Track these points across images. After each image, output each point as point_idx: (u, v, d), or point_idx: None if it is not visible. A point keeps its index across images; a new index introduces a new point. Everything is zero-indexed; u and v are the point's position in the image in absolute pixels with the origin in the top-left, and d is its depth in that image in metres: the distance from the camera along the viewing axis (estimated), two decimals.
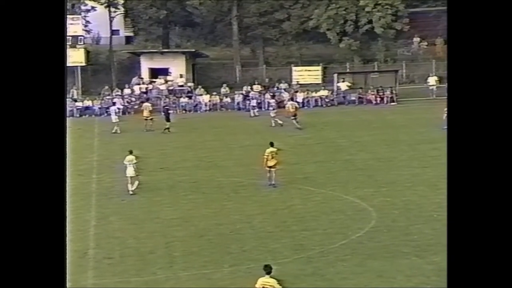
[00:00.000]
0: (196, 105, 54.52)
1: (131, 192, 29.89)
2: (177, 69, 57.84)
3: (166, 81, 57.51)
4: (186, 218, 26.82)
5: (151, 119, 45.00)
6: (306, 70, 59.87)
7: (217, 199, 29.24)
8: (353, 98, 54.44)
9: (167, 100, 53.62)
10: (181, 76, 57.49)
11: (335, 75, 56.31)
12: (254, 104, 52.13)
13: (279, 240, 24.00)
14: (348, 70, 59.47)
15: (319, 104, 54.11)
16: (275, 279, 17.03)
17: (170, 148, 40.46)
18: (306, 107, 53.09)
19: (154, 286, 20.61)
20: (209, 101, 54.29)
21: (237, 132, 43.50)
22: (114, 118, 45.51)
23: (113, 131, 44.27)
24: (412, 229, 24.51)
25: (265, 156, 29.85)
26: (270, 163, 29.89)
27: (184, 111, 53.16)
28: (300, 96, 54.05)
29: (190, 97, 55.25)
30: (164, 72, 58.09)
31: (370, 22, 59.94)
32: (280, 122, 44.06)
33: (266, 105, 52.87)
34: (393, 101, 53.54)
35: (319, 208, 27.45)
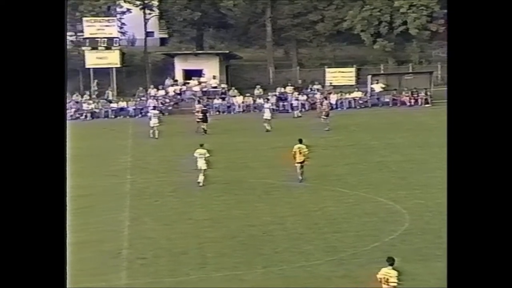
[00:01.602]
0: (229, 106, 54.67)
1: (200, 184, 30.65)
2: (211, 70, 58.03)
3: (200, 83, 57.74)
4: (218, 219, 26.92)
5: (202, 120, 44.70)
6: (339, 72, 59.71)
7: (249, 201, 29.29)
8: (387, 100, 54.16)
9: (201, 101, 53.84)
10: (214, 77, 57.67)
11: (369, 76, 56.08)
12: (297, 105, 52.28)
13: (311, 241, 23.97)
14: (382, 72, 59.20)
15: (353, 105, 53.95)
16: (397, 271, 17.30)
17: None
18: (339, 109, 52.96)
19: (186, 286, 20.71)
20: (242, 102, 54.41)
21: (269, 134, 43.49)
22: (153, 122, 43.76)
23: (151, 135, 43.24)
24: (445, 232, 24.29)
25: (293, 152, 30.63)
26: (299, 159, 30.48)
27: (217, 113, 53.32)
28: (333, 98, 53.92)
29: (223, 99, 55.42)
30: (198, 73, 58.33)
31: (404, 23, 59.60)
32: (269, 128, 43.85)
33: (300, 107, 52.94)
34: (427, 103, 53.15)
35: (351, 210, 27.36)
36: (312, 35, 62.56)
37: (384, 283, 17.22)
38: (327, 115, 43.50)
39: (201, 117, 44.77)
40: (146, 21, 62.92)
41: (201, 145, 31.69)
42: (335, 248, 23.24)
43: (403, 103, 53.48)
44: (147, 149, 41.04)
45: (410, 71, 58.43)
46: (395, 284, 17.25)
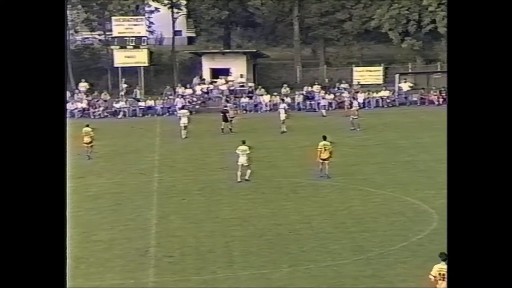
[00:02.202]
0: (257, 105, 54.72)
1: (239, 180, 31.27)
2: (238, 69, 58.14)
3: (227, 81, 57.87)
4: (245, 218, 26.96)
5: (231, 120, 44.77)
6: (367, 71, 59.54)
7: (276, 199, 29.30)
8: (415, 99, 53.91)
9: (227, 100, 54.01)
10: (241, 76, 57.76)
11: (397, 75, 55.86)
12: (325, 104, 52.27)
13: (338, 241, 23.92)
14: (410, 71, 58.90)
15: (380, 104, 53.75)
16: None
17: (230, 148, 40.66)
18: (367, 108, 52.79)
19: (213, 285, 20.77)
20: (270, 101, 54.43)
21: (299, 132, 43.46)
22: (183, 121, 43.44)
23: (183, 136, 42.93)
24: None
25: (319, 149, 31.19)
26: (323, 156, 31.10)
27: (244, 111, 53.40)
28: (361, 97, 53.77)
29: (250, 97, 55.48)
30: (225, 72, 58.47)
31: (433, 21, 59.23)
32: (284, 129, 43.45)
33: (327, 106, 52.92)
34: None
35: (379, 210, 27.26)
36: (340, 34, 62.42)
37: (440, 279, 16.77)
38: (356, 117, 43.43)
39: (231, 116, 44.75)
40: (174, 20, 63.19)
41: (243, 142, 32.20)
42: (362, 248, 23.16)
43: (431, 102, 53.18)
44: (174, 148, 41.21)
45: (439, 70, 58.07)
46: None
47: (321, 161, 31.34)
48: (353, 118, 43.38)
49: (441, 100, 53.10)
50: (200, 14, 64.76)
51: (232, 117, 45.00)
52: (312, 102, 54.18)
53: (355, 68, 59.33)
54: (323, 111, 51.35)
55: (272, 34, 67.34)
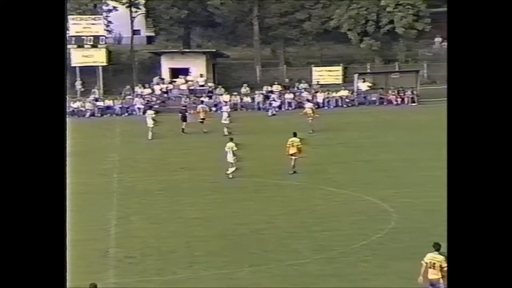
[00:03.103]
0: (216, 105, 54.60)
1: (230, 176, 31.70)
2: (198, 69, 57.97)
3: (187, 81, 57.66)
4: (207, 218, 26.87)
5: (202, 120, 44.24)
6: (326, 70, 59.80)
7: (239, 199, 29.27)
8: (374, 99, 54.29)
9: (187, 100, 53.80)
10: (201, 76, 57.60)
11: (356, 75, 56.18)
12: (276, 104, 52.31)
13: (300, 240, 23.97)
14: (368, 71, 59.32)
15: (340, 104, 54.02)
16: (444, 256, 17.43)
17: (191, 148, 40.56)
18: (326, 107, 53.05)
19: (174, 285, 20.65)
20: (229, 100, 54.35)
21: (258, 132, 43.46)
22: (150, 122, 42.87)
23: (150, 137, 42.42)
24: (434, 231, 24.30)
25: (287, 145, 32.05)
26: (291, 151, 31.88)
27: (208, 111, 53.14)
28: (320, 96, 54.02)
29: (210, 97, 55.34)
30: (185, 72, 58.25)
31: (391, 22, 59.76)
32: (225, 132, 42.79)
33: (286, 105, 53.08)
34: (414, 102, 53.31)
35: (340, 209, 27.39)
36: (299, 34, 62.60)
37: (431, 268, 17.52)
38: (311, 117, 42.91)
39: (203, 117, 44.37)
40: (132, 19, 62.73)
41: (231, 139, 32.71)
42: (324, 247, 23.24)
43: (390, 102, 53.63)
44: (135, 148, 40.91)
45: (397, 70, 58.59)
46: (444, 269, 17.45)
47: (290, 156, 31.99)
48: (309, 120, 42.71)
49: (399, 100, 53.56)
50: (159, 14, 64.38)
51: (203, 119, 44.41)
52: (272, 102, 54.22)
53: (314, 68, 59.57)
54: (270, 111, 51.27)
55: (232, 34, 67.27)
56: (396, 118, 47.56)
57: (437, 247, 17.76)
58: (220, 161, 36.12)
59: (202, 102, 50.57)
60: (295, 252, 22.88)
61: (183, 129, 44.44)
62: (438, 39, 63.52)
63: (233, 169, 31.93)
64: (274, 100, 53.30)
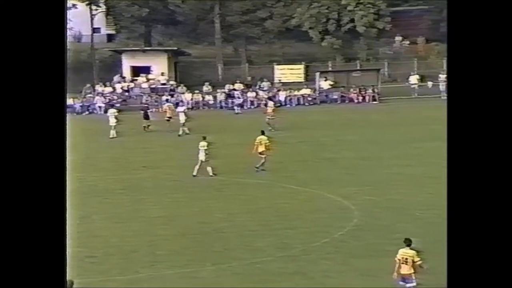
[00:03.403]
0: (178, 103, 54.41)
1: (211, 174, 31.72)
2: (159, 67, 57.74)
3: (148, 80, 57.37)
4: (169, 216, 26.77)
5: (169, 118, 43.85)
6: (288, 69, 60.01)
7: (201, 198, 29.21)
8: (335, 97, 54.60)
9: (149, 98, 53.58)
10: (162, 74, 57.36)
11: (317, 73, 56.45)
12: (239, 102, 52.34)
13: (263, 238, 23.99)
14: (330, 69, 59.64)
15: (301, 102, 54.22)
16: (416, 251, 17.80)
17: (154, 146, 40.37)
18: (288, 106, 53.24)
19: (137, 285, 20.54)
20: (191, 99, 54.24)
21: (221, 131, 43.42)
22: (112, 121, 42.70)
23: (111, 136, 42.23)
24: (395, 228, 24.56)
25: (256, 143, 32.35)
26: (259, 149, 32.23)
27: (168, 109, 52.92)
28: (282, 95, 54.17)
29: (172, 95, 55.14)
30: (146, 70, 57.97)
31: (352, 21, 60.20)
32: (187, 131, 42.65)
33: (249, 104, 53.12)
34: (375, 100, 53.75)
35: (303, 207, 27.48)
36: (261, 32, 62.72)
37: (403, 263, 17.81)
38: (271, 116, 42.85)
39: (170, 115, 44.01)
40: (92, 17, 62.21)
41: (204, 138, 32.48)
42: (286, 245, 23.30)
43: (351, 100, 53.98)
44: (96, 147, 40.59)
45: (358, 68, 59.00)
46: (420, 262, 17.83)
47: (259, 154, 32.34)
48: (269, 119, 42.75)
49: (360, 98, 53.94)
50: (120, 12, 63.96)
51: (170, 117, 43.99)
52: (234, 100, 54.25)
53: (276, 66, 59.72)
54: (236, 109, 51.39)
55: (194, 32, 67.12)
56: (357, 116, 47.89)
57: (408, 243, 18.02)
58: (183, 160, 36.08)
59: (167, 100, 50.38)
60: (258, 250, 22.90)
61: (144, 127, 44.26)
62: (398, 38, 64.11)
63: (209, 169, 31.81)
64: (239, 97, 53.33)
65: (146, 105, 47.49)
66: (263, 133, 33.21)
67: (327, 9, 60.35)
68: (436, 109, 49.26)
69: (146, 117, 44.74)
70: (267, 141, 32.58)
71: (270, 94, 54.35)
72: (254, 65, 62.02)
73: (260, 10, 62.18)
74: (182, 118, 43.14)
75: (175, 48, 60.95)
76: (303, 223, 25.51)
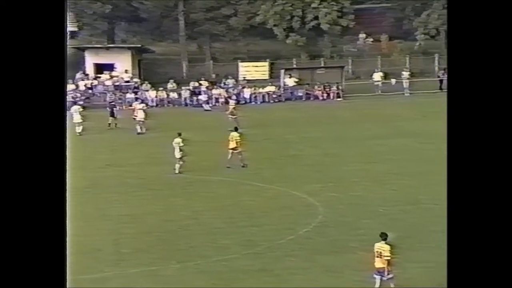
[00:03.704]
0: (143, 100, 54.11)
1: (176, 172, 31.56)
2: (123, 64, 57.35)
3: (112, 77, 56.97)
4: (134, 215, 26.65)
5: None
6: (253, 66, 60.02)
7: (166, 196, 29.13)
8: (300, 94, 54.73)
9: (113, 96, 53.23)
10: (126, 71, 57.01)
11: (282, 71, 56.53)
12: (205, 100, 52.24)
13: (228, 236, 24.02)
14: (295, 66, 59.78)
15: (266, 100, 54.27)
16: (390, 245, 18.03)
17: (118, 144, 40.13)
18: (253, 103, 53.28)
19: (102, 283, 20.42)
20: (156, 96, 53.99)
21: (186, 128, 43.25)
22: (76, 118, 42.18)
23: (78, 132, 41.74)
24: (359, 224, 24.77)
25: (228, 140, 32.60)
26: (231, 146, 32.39)
27: (130, 107, 52.64)
28: (247, 92, 54.18)
29: (136, 93, 54.82)
30: (110, 67, 57.53)
31: (316, 18, 60.37)
32: (143, 130, 42.48)
33: (214, 101, 53.03)
34: (339, 97, 54.01)
35: (268, 204, 27.55)
36: (226, 30, 62.61)
37: (378, 256, 18.07)
38: (233, 114, 42.31)
39: (135, 115, 43.43)
40: None
41: (179, 134, 32.44)
42: (251, 242, 23.35)
43: (316, 97, 54.17)
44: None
45: (322, 65, 59.23)
46: (389, 258, 18.06)
47: (229, 150, 32.48)
48: (230, 117, 42.06)
49: (325, 95, 54.16)
50: (82, 8, 63.27)
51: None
52: (199, 98, 54.11)
53: (241, 64, 59.70)
54: (205, 106, 51.34)
55: (158, 29, 66.72)
56: (322, 113, 48.10)
57: (384, 237, 18.28)
58: (148, 158, 35.96)
59: (137, 99, 50.05)
60: (223, 247, 22.91)
61: (109, 124, 44.01)
62: (362, 35, 64.50)
63: (180, 164, 31.76)
64: (204, 93, 53.17)
65: (113, 103, 47.13)
66: (236, 129, 33.39)
67: (291, 6, 60.47)
68: (399, 106, 49.84)
69: (112, 114, 44.47)
70: (238, 138, 32.75)
71: (235, 92, 54.32)
72: (218, 62, 61.93)
73: (224, 8, 62.09)
74: (141, 115, 42.83)
75: (139, 46, 60.56)
76: (269, 220, 25.57)
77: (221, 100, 53.12)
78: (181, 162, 31.80)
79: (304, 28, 61.13)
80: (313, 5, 60.07)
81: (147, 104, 49.18)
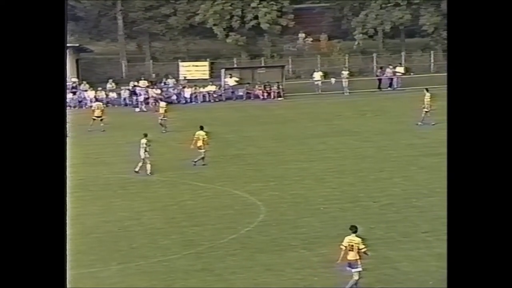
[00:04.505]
0: (81, 101, 53.43)
1: (136, 169, 31.21)
2: None
3: None
4: (72, 216, 25.94)
5: (101, 119, 42.37)
6: (193, 66, 59.83)
7: (105, 196, 28.79)
8: (241, 94, 54.75)
9: (96, 98, 52.38)
10: None
11: (223, 70, 56.47)
12: (142, 100, 51.70)
13: (169, 236, 23.87)
14: (235, 66, 59.80)
15: (207, 99, 54.14)
16: (360, 238, 18.27)
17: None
18: (194, 103, 53.09)
19: None
20: (95, 97, 53.31)
21: (125, 128, 42.89)
22: None
23: None
24: (300, 222, 24.89)
25: (195, 138, 32.84)
26: (198, 144, 32.70)
27: (68, 107, 51.94)
28: (188, 92, 53.95)
29: (74, 93, 54.05)
30: None
31: (256, 17, 60.52)
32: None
33: (153, 101, 52.60)
34: (280, 96, 54.21)
35: (209, 204, 27.47)
36: (165, 29, 62.28)
37: (350, 250, 18.33)
38: (163, 117, 41.20)
39: (98, 114, 42.59)
40: None
41: (145, 135, 32.16)
42: (192, 242, 23.25)
43: (257, 97, 54.27)
44: None
45: (263, 65, 59.39)
46: (365, 249, 18.36)
47: (198, 149, 32.75)
48: (161, 119, 41.11)
49: (265, 94, 54.29)
50: None
51: (99, 116, 42.52)
52: (138, 98, 53.62)
53: (181, 63, 59.44)
54: (137, 108, 50.85)
55: (96, 28, 65.96)
56: (262, 113, 48.21)
57: (354, 230, 18.59)
58: (87, 158, 35.46)
59: (96, 99, 49.26)
60: (164, 248, 22.76)
61: None
62: (301, 35, 64.91)
63: (149, 166, 31.30)
64: (140, 94, 52.62)
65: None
66: (201, 128, 33.42)
67: (231, 5, 60.48)
68: (339, 105, 50.30)
69: None
70: (205, 136, 32.94)
71: (176, 91, 54.03)
72: (158, 62, 61.55)
73: (163, 7, 61.73)
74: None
75: (77, 45, 59.70)
76: (210, 220, 25.50)
77: (151, 101, 52.01)
78: (148, 164, 31.26)
79: (244, 28, 61.21)
80: (252, 5, 60.20)
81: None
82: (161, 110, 41.83)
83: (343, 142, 37.52)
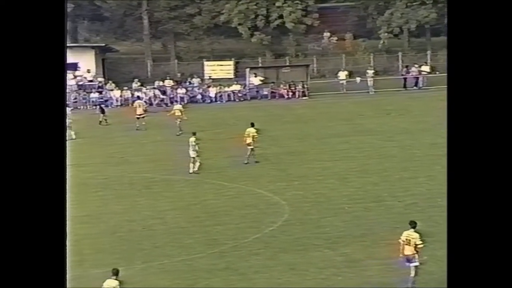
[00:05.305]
0: (107, 100, 53.69)
1: (191, 171, 31.14)
2: (86, 64, 56.81)
3: (75, 76, 56.40)
4: (96, 215, 26.38)
5: (143, 117, 42.53)
6: (218, 65, 59.84)
7: (129, 195, 28.88)
8: (266, 93, 54.66)
9: (77, 95, 52.73)
10: (88, 71, 56.49)
11: (247, 69, 56.42)
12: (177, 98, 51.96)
13: (192, 235, 23.89)
14: (260, 65, 59.73)
15: (232, 99, 54.13)
16: (419, 233, 18.47)
17: (78, 144, 39.68)
18: (218, 102, 53.10)
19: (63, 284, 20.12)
20: (120, 96, 53.54)
21: (149, 127, 42.98)
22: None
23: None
24: (323, 222, 24.80)
25: (245, 135, 32.96)
26: (248, 141, 32.84)
27: (94, 107, 52.25)
28: (212, 91, 53.98)
29: (100, 92, 54.35)
30: (73, 67, 56.89)
31: (280, 17, 60.40)
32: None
33: (179, 100, 52.71)
34: (305, 96, 54.05)
35: (232, 203, 27.45)
36: (190, 28, 62.37)
37: (407, 245, 18.52)
38: (180, 119, 40.09)
39: (140, 113, 42.74)
40: None
41: (194, 134, 32.29)
42: (216, 241, 23.25)
43: (281, 96, 54.15)
44: None
45: (287, 64, 59.25)
46: (421, 245, 18.54)
47: (247, 146, 32.82)
48: (179, 121, 40.02)
49: (290, 94, 54.16)
50: None
51: (140, 114, 42.48)
52: (164, 97, 53.77)
53: (206, 63, 59.49)
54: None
55: (121, 28, 66.26)
56: (286, 112, 48.10)
57: (413, 225, 18.73)
58: (109, 157, 35.64)
59: (138, 97, 49.33)
60: (187, 247, 22.79)
61: (100, 121, 44.45)
62: (326, 34, 64.67)
63: (198, 164, 31.39)
64: (170, 93, 52.87)
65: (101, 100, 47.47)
66: (252, 125, 33.48)
67: (256, 5, 60.42)
68: (363, 104, 50.05)
69: (103, 111, 45.54)
70: (255, 133, 33.03)
71: (200, 91, 54.11)
72: (183, 61, 61.64)
73: (188, 6, 61.83)
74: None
75: (103, 45, 60.06)
76: (233, 219, 25.49)
77: (187, 99, 52.47)
78: (197, 162, 31.32)
79: (269, 27, 61.12)
80: (277, 4, 60.08)
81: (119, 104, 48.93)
82: (177, 113, 40.43)
83: (366, 142, 37.31)
